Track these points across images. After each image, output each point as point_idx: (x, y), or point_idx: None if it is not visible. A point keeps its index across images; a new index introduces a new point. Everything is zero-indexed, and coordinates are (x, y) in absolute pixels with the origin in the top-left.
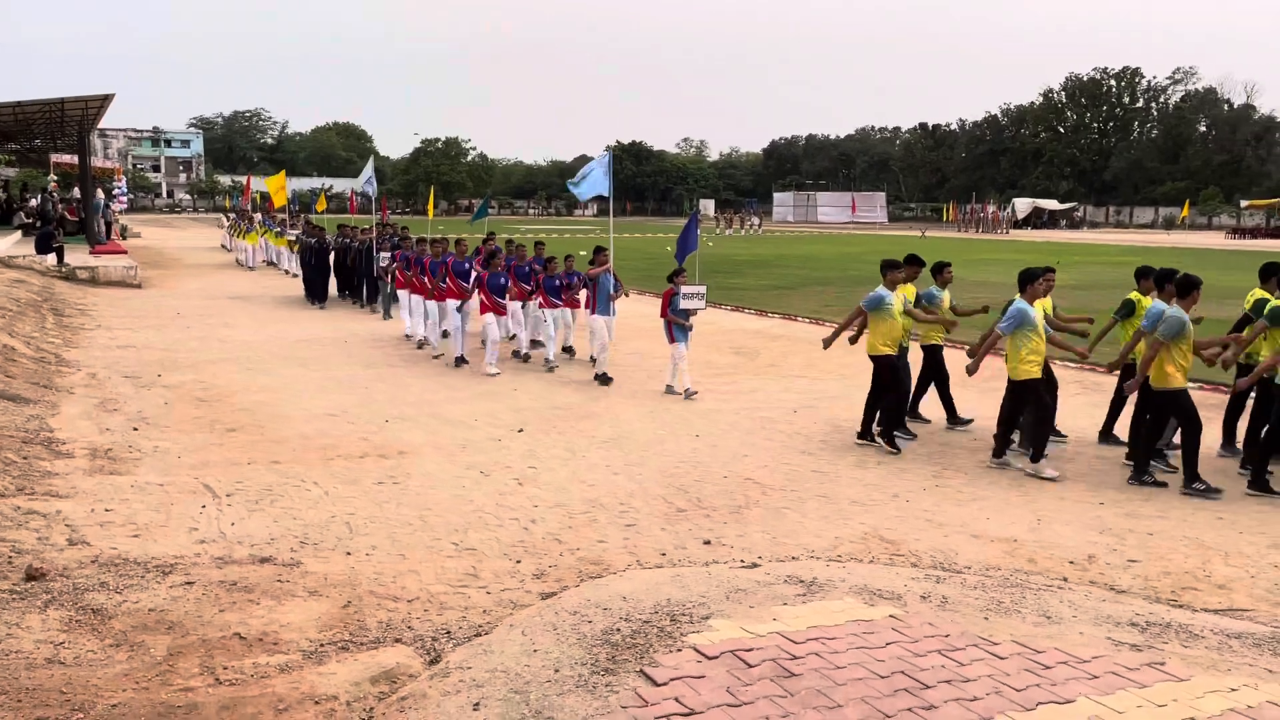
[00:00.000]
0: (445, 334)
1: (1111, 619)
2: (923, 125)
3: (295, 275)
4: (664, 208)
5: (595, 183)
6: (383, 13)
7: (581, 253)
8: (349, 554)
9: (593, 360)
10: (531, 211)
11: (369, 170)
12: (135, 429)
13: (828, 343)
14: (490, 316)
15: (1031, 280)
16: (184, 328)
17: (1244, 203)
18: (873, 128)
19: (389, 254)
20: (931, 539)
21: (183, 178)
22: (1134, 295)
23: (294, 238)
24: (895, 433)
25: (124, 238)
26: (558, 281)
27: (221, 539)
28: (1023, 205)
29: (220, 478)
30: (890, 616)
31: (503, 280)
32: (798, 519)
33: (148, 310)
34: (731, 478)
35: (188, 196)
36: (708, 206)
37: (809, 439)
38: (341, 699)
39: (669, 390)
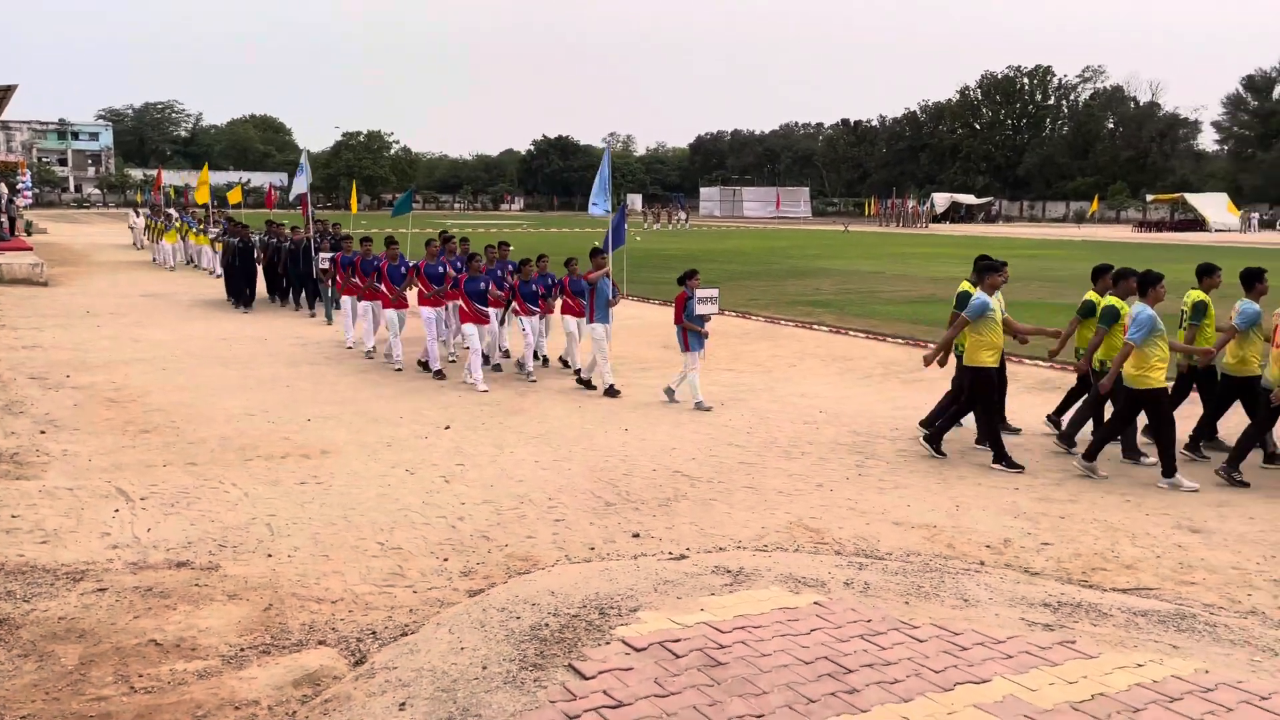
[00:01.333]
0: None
1: (1025, 600)
2: (845, 121)
3: (218, 275)
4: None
5: (603, 185)
6: (301, 2)
7: (570, 255)
8: (270, 556)
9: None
10: (456, 206)
11: (305, 168)
12: (42, 432)
13: (929, 361)
14: (471, 326)
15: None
16: (94, 327)
17: (1149, 197)
18: (796, 124)
19: (329, 254)
20: (854, 527)
21: (91, 171)
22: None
23: (216, 236)
24: (975, 445)
25: (29, 234)
26: (534, 286)
27: (135, 544)
28: (941, 200)
29: (134, 481)
30: (814, 604)
31: (483, 285)
32: (725, 510)
33: (55, 309)
34: (660, 471)
35: (97, 191)
36: (635, 201)
37: (736, 431)
38: (263, 704)
39: (670, 397)
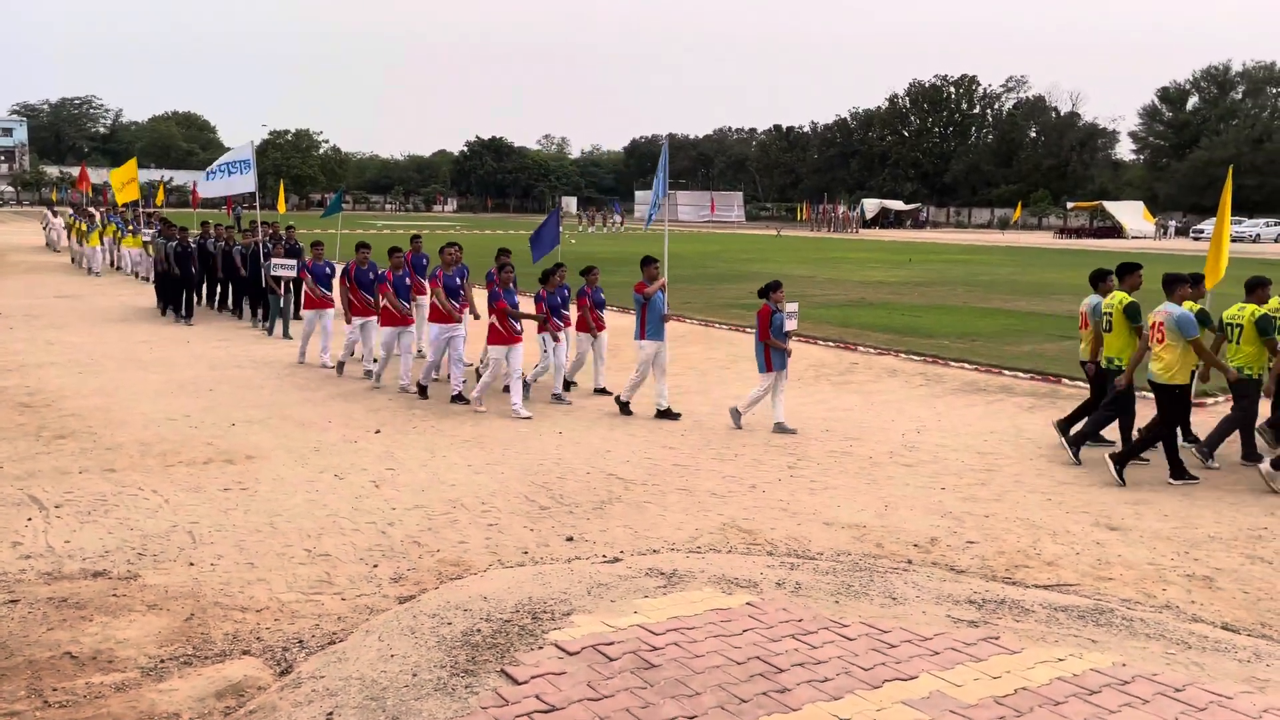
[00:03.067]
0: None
1: (951, 598)
2: (777, 127)
3: (149, 281)
4: (526, 204)
5: (657, 188)
6: None
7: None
8: (192, 565)
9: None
10: (388, 207)
11: (250, 162)
12: None
13: (1122, 384)
14: (501, 349)
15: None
16: (6, 329)
17: (1070, 204)
18: (730, 128)
19: (292, 261)
20: (786, 527)
21: (4, 168)
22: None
23: (149, 238)
24: (1136, 457)
25: None
26: (558, 298)
27: (50, 553)
28: (871, 206)
29: (48, 488)
30: (747, 604)
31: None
32: (659, 512)
33: None
34: (594, 474)
35: (10, 189)
36: (569, 204)
37: (670, 433)
38: (184, 716)
39: (736, 421)
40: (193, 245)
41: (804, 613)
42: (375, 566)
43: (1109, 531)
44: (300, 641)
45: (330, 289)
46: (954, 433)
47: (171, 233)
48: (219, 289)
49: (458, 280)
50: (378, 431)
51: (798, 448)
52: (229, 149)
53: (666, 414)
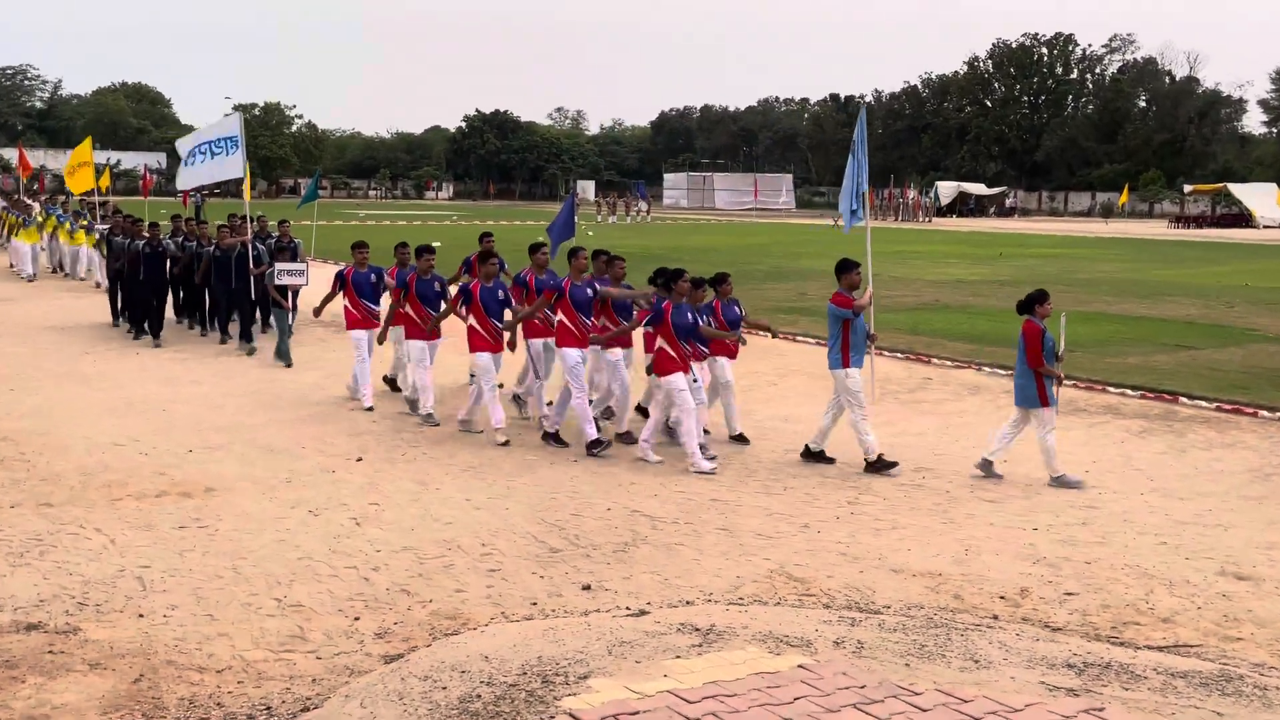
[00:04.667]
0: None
1: (1046, 660)
2: (834, 97)
3: (103, 287)
4: (535, 190)
5: (856, 174)
6: None
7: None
8: (142, 616)
9: (813, 451)
10: (372, 193)
11: (239, 139)
12: None
13: None
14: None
15: None
16: None
17: (1187, 187)
18: (777, 99)
19: (301, 266)
20: (846, 575)
21: None
22: None
23: (102, 235)
24: None
25: None
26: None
27: None
28: (947, 190)
29: None
30: (799, 667)
31: (590, 293)
32: (693, 556)
33: None
34: (616, 510)
35: None
36: (587, 189)
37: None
38: None
39: (987, 470)
40: (166, 245)
41: (868, 678)
42: (356, 619)
43: (1238, 582)
44: (268, 708)
45: (376, 302)
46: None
47: (135, 229)
48: (194, 300)
49: (589, 292)
50: (359, 459)
51: (859, 479)
52: (190, 128)
53: (819, 456)
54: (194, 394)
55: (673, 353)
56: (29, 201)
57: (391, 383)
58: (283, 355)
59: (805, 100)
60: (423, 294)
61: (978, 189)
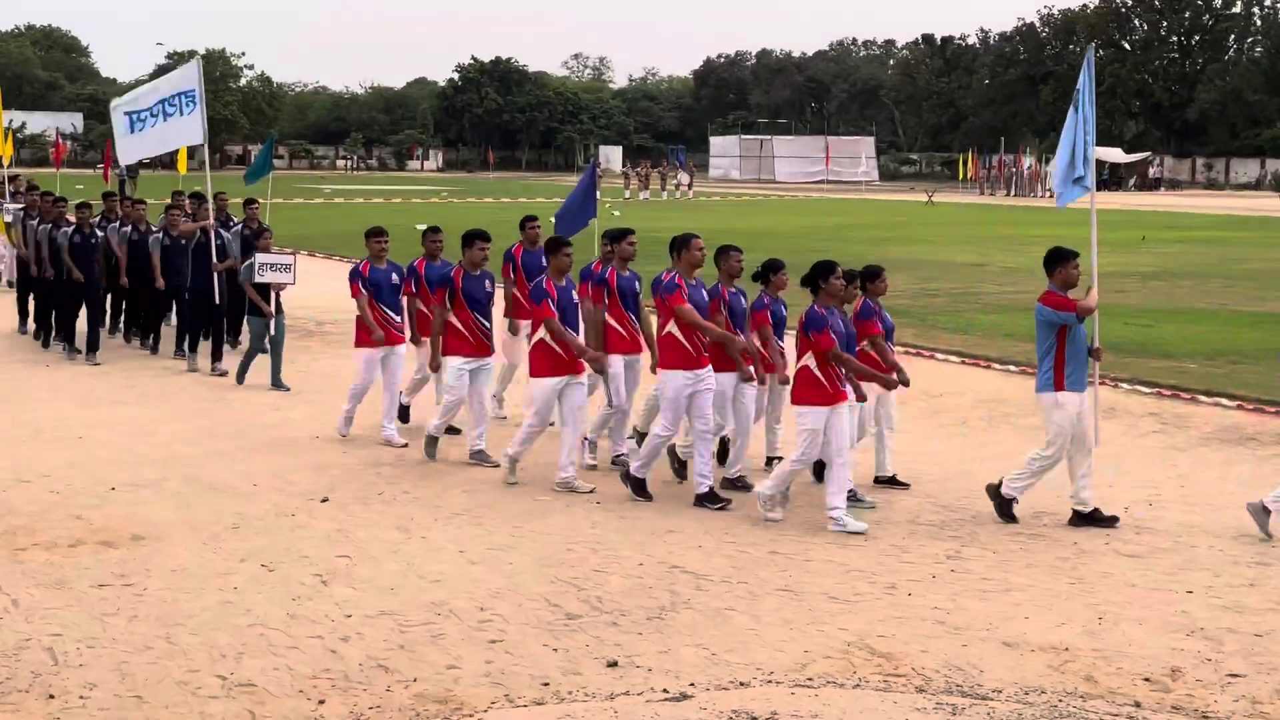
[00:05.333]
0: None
1: None
2: (927, 39)
3: (10, 282)
4: (545, 158)
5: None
6: None
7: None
8: (52, 698)
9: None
10: (341, 163)
11: (195, 96)
12: None
13: None
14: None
15: None
16: None
17: None
18: (854, 41)
19: (289, 259)
20: (945, 649)
21: None
22: None
23: (14, 216)
24: None
25: None
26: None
27: None
28: None
29: None
30: None
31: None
32: (748, 625)
33: None
34: (649, 565)
35: None
36: (611, 157)
37: (751, 499)
38: None
39: (1264, 528)
40: (100, 233)
41: None
42: (321, 703)
43: None
44: None
45: (397, 309)
46: (1205, 504)
47: (55, 211)
48: (138, 305)
49: (636, 285)
50: (325, 500)
51: (961, 527)
52: (113, 82)
53: (1005, 508)
54: (118, 417)
55: (819, 375)
56: None
57: (404, 411)
58: (273, 375)
59: (890, 43)
60: (471, 295)
61: (1113, 155)
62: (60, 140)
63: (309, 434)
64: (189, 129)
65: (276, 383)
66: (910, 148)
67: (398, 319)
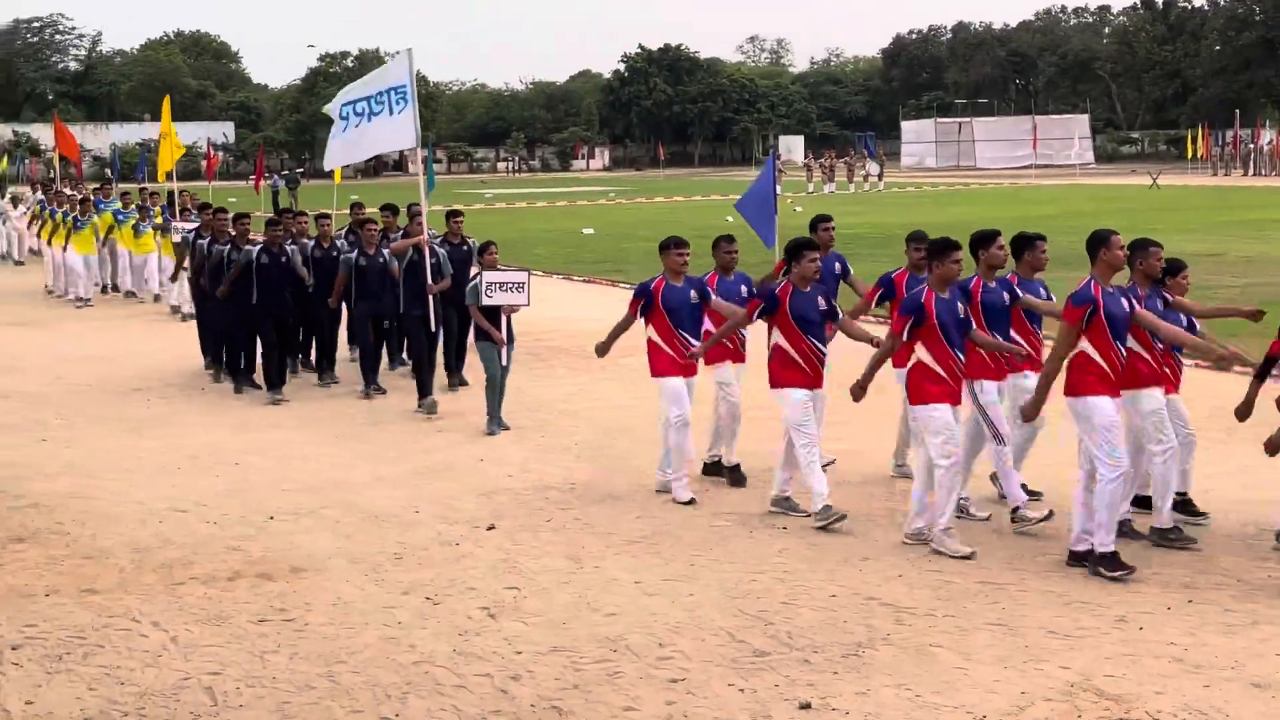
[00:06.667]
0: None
1: None
2: (1147, 3)
3: (181, 313)
4: (720, 151)
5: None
6: None
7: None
8: None
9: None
10: (502, 165)
11: (407, 92)
12: None
13: None
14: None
15: None
16: None
17: None
18: (1063, 9)
19: (522, 277)
20: (1183, 690)
21: None
22: None
23: (183, 237)
24: None
25: None
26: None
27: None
28: None
29: (1, 621)
30: None
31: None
32: (956, 663)
33: None
34: (844, 596)
35: None
36: (793, 147)
37: (964, 527)
38: None
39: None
40: (296, 250)
41: None
42: None
43: None
44: None
45: (697, 334)
46: None
47: (239, 230)
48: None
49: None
50: (491, 527)
51: (1197, 553)
52: (264, 87)
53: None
54: (274, 441)
55: (1105, 366)
56: (72, 193)
57: (716, 467)
58: (492, 418)
59: (1104, 9)
60: (803, 315)
61: None
62: (212, 151)
63: (472, 457)
64: (400, 131)
65: (495, 421)
66: (1130, 125)
67: (696, 346)
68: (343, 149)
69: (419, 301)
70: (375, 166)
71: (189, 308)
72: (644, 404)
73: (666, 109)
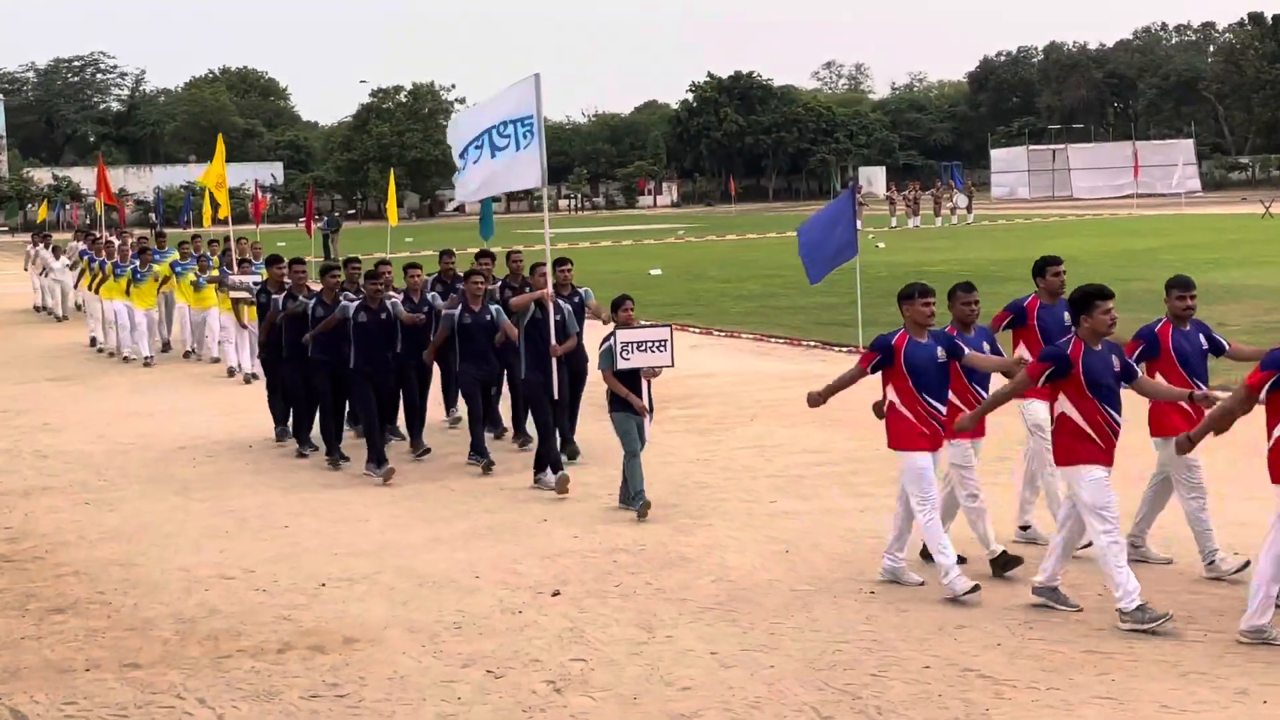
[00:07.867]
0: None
1: None
2: (1255, 18)
3: (244, 374)
4: (795, 184)
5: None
6: None
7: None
8: None
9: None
10: (564, 202)
11: (532, 125)
12: None
13: None
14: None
15: None
16: None
17: None
18: (1164, 27)
19: (660, 333)
20: None
21: None
22: None
23: (249, 294)
24: None
25: None
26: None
27: None
28: None
29: (39, 699)
30: None
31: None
32: None
33: None
34: (938, 668)
35: None
36: (874, 179)
37: (1073, 588)
38: None
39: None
40: (400, 306)
41: None
42: None
43: None
44: None
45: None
46: None
47: (329, 285)
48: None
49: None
50: (556, 593)
51: None
52: (314, 125)
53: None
54: (326, 502)
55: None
56: (110, 239)
57: (1004, 561)
58: (635, 491)
59: (1209, 26)
60: (1096, 379)
61: None
62: (260, 194)
63: (535, 518)
64: (526, 167)
65: (639, 500)
66: (1239, 150)
67: (943, 413)
68: (465, 184)
69: (541, 367)
70: (430, 206)
71: (250, 367)
72: (718, 458)
73: (738, 140)
